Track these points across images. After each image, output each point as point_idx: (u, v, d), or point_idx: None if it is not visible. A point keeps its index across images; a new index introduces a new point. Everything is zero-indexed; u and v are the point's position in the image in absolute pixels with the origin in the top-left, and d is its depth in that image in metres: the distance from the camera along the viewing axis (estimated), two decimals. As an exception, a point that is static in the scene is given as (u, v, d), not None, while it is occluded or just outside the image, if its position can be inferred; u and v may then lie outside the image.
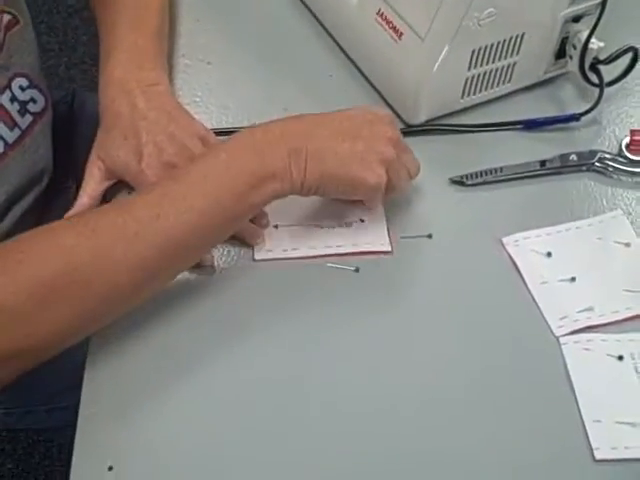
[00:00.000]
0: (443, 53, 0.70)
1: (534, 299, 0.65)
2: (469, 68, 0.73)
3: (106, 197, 0.70)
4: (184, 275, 0.64)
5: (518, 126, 0.78)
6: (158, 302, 0.62)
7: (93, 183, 0.69)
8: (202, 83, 0.80)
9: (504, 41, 0.73)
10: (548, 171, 0.74)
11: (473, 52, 0.72)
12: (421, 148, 0.74)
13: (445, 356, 0.62)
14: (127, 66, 0.71)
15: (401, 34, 0.71)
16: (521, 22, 0.73)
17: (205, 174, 0.59)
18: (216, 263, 0.66)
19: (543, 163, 0.74)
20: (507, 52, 0.74)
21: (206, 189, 0.58)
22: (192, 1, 0.87)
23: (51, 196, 0.87)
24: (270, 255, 0.67)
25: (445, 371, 0.62)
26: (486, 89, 0.77)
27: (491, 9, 0.68)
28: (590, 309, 0.64)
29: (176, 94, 0.78)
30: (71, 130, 0.95)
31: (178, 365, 0.61)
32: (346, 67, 0.81)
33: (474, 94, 0.77)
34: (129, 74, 0.71)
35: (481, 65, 0.74)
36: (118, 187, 0.70)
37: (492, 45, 0.72)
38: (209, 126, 0.74)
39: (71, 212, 0.68)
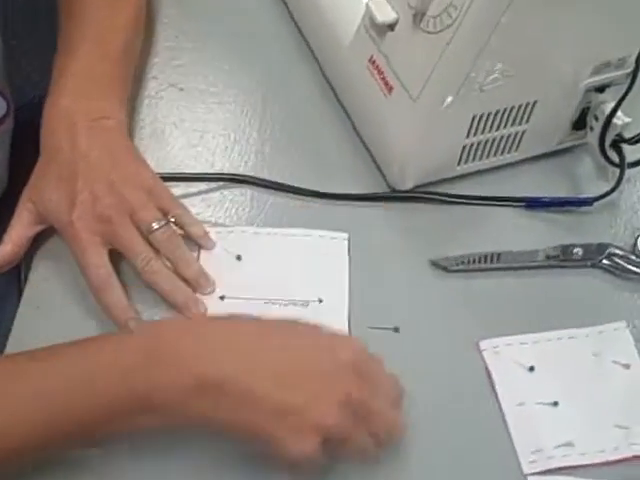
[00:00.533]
0: (437, 118, 0.60)
1: (505, 423, 0.55)
2: (468, 135, 0.63)
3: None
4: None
5: (519, 203, 0.68)
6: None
7: (20, 227, 0.60)
8: (170, 113, 0.70)
9: (512, 108, 0.63)
10: (546, 263, 0.64)
11: (473, 118, 0.62)
12: (402, 217, 0.66)
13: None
14: (76, 93, 0.62)
15: (391, 88, 0.61)
16: (533, 89, 0.62)
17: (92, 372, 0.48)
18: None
19: (539, 255, 0.64)
20: (515, 120, 0.64)
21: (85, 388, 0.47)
22: (174, 14, 0.78)
23: (3, 211, 0.79)
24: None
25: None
26: (487, 157, 0.67)
27: (496, 75, 0.58)
28: (570, 444, 0.54)
29: (139, 124, 0.69)
30: (34, 139, 0.86)
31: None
32: (337, 112, 0.71)
33: (472, 161, 0.67)
34: (76, 104, 0.62)
35: (482, 132, 0.63)
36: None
37: (497, 112, 0.62)
38: (167, 167, 0.65)
39: None
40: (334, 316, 0.59)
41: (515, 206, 0.68)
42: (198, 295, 0.59)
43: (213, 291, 0.59)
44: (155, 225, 0.58)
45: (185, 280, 0.59)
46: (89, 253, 0.57)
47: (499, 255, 0.63)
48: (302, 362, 0.48)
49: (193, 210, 0.63)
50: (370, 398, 0.48)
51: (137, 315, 0.57)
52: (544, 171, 0.70)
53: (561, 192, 0.69)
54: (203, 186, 0.65)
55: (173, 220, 0.59)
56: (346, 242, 0.63)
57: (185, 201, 0.64)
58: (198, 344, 0.48)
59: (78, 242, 0.57)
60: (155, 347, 0.48)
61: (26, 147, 0.77)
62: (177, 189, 0.64)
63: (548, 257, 0.63)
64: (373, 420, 0.48)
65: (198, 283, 0.59)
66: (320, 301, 0.59)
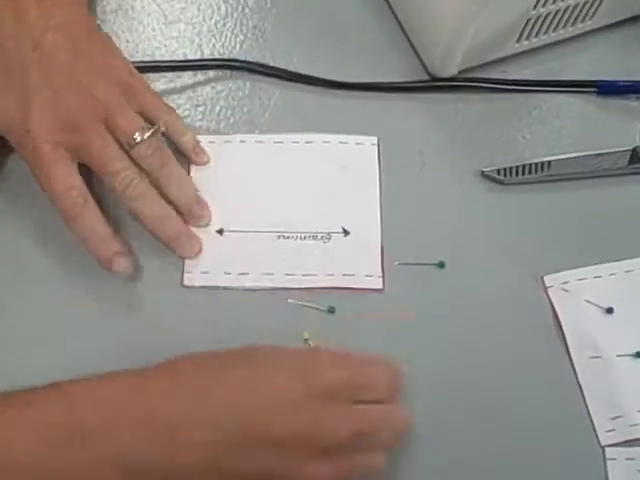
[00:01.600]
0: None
1: (577, 381, 0.45)
2: (535, 5, 0.48)
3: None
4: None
5: (589, 89, 0.53)
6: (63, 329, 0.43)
7: None
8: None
9: (596, -34, 0.47)
10: (628, 169, 0.51)
11: (546, -16, 0.46)
12: (446, 114, 0.52)
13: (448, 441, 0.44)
14: None
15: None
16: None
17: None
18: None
19: (618, 157, 0.51)
20: (597, -19, 0.48)
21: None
22: None
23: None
24: (206, 281, 0.45)
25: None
26: (555, 30, 0.52)
27: None
28: (658, 407, 0.44)
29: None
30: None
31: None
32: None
33: (535, 36, 0.52)
34: None
35: (554, 1, 0.48)
36: None
37: (577, -27, 0.47)
38: (139, 54, 0.50)
39: None
40: (363, 251, 0.46)
41: (584, 92, 0.53)
42: (192, 228, 0.46)
43: (208, 223, 0.46)
44: (137, 136, 0.44)
45: (176, 208, 0.46)
46: (55, 171, 0.43)
47: (567, 161, 0.50)
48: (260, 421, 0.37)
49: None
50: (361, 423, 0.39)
51: (124, 248, 0.45)
52: (620, 44, 0.55)
53: (641, 72, 0.54)
54: (187, 78, 0.51)
55: (163, 129, 0.45)
56: (375, 148, 0.50)
57: (165, 99, 0.49)
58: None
59: (39, 158, 0.44)
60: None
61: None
62: (153, 84, 0.50)
63: (634, 160, 0.50)
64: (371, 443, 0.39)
65: (191, 212, 0.46)
66: (345, 233, 0.47)
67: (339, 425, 0.38)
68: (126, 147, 0.44)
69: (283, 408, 0.37)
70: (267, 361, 0.39)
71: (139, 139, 0.44)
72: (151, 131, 0.44)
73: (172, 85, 0.50)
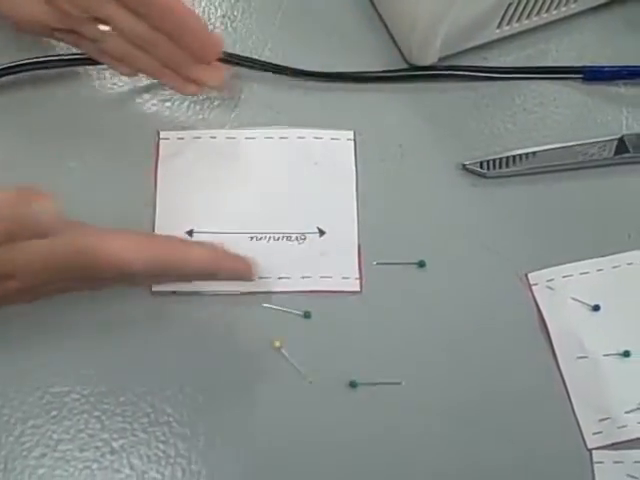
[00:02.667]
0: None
1: (563, 382, 0.44)
2: (517, -12, 0.46)
3: None
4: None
5: (575, 75, 0.51)
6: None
7: None
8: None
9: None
10: (615, 159, 0.49)
11: (528, -34, 0.44)
12: (425, 103, 0.50)
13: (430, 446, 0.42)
14: None
15: None
16: None
17: None
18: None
19: (605, 147, 0.49)
20: (582, -38, 0.46)
21: None
22: None
23: None
24: (175, 286, 0.43)
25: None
26: (538, 13, 0.50)
27: None
28: (646, 408, 0.43)
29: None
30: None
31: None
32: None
33: (517, 21, 0.50)
34: None
35: (537, -17, 0.46)
36: None
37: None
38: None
39: None
40: (339, 252, 0.45)
41: (569, 78, 0.51)
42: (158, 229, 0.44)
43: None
44: None
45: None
46: None
47: (552, 151, 0.48)
48: None
49: (141, 108, 0.47)
50: None
51: None
52: (605, 28, 0.53)
53: (628, 57, 0.52)
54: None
55: None
56: (351, 143, 0.48)
57: (131, 94, 0.47)
58: None
59: None
60: None
61: None
62: (116, 78, 0.47)
63: (621, 150, 0.48)
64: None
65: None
66: (321, 232, 0.45)
67: None
68: None
69: None
70: None
71: None
72: None
73: (136, 80, 0.48)
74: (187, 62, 0.42)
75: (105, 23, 0.41)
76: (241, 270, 0.38)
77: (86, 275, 0.35)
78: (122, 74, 0.45)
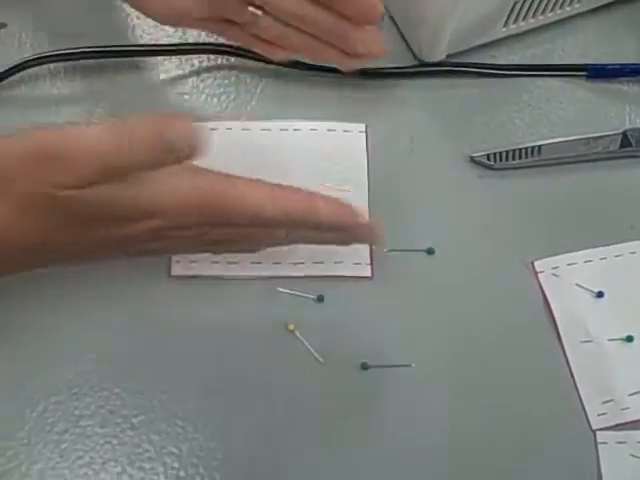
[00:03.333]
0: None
1: (568, 365, 0.45)
2: (523, -14, 0.47)
3: None
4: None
5: (579, 73, 0.53)
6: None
7: None
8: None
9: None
10: (619, 153, 0.50)
11: (533, -36, 0.46)
12: (434, 99, 0.51)
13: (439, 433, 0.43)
14: None
15: None
16: None
17: None
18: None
19: (609, 141, 0.50)
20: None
21: None
22: None
23: None
24: (194, 270, 0.45)
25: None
26: (543, 13, 0.52)
27: None
28: (649, 390, 0.44)
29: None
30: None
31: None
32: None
33: (523, 20, 0.51)
34: None
35: (542, -18, 0.48)
36: None
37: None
38: (109, 38, 0.50)
39: None
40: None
41: (574, 75, 0.53)
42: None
43: None
44: None
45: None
46: None
47: (557, 145, 0.50)
48: None
49: (161, 102, 0.49)
50: None
51: None
52: (609, 27, 0.55)
53: (631, 55, 0.54)
54: (172, 65, 0.50)
55: None
56: (363, 135, 0.49)
57: (144, 87, 0.49)
58: None
59: None
60: None
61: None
62: (137, 71, 0.49)
63: (624, 144, 0.50)
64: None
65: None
66: (334, 220, 0.46)
67: None
68: None
69: None
70: None
71: None
72: None
73: (156, 73, 0.49)
74: (347, 32, 0.41)
75: (257, 7, 0.40)
76: (365, 229, 0.39)
77: (220, 220, 0.36)
78: (275, 59, 0.44)
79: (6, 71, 0.47)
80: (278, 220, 0.36)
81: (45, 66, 0.48)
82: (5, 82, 0.47)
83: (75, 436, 0.41)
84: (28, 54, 0.48)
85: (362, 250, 0.46)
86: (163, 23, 0.45)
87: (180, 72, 0.50)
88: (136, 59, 0.50)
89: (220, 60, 0.51)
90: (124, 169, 0.32)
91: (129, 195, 0.33)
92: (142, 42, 0.50)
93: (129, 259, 0.38)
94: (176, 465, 0.40)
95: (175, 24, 0.45)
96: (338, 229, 0.39)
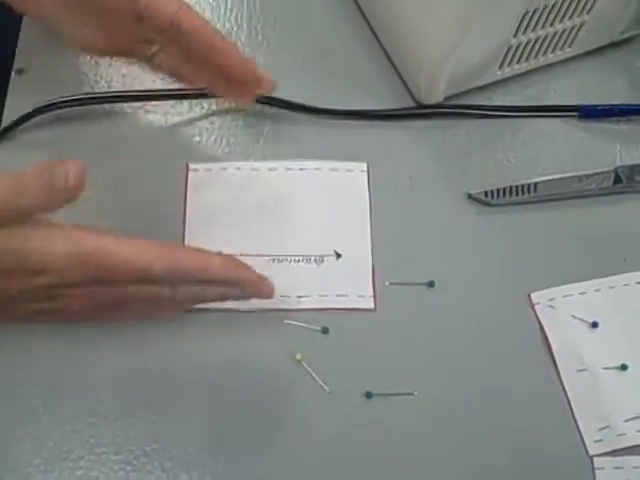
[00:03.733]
0: (478, 13, 0.46)
1: (565, 393, 0.46)
2: (516, 33, 0.50)
3: None
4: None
5: (571, 113, 0.55)
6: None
7: None
8: None
9: (572, -2, 0.49)
10: (610, 189, 0.52)
11: (525, 14, 0.48)
12: (432, 139, 0.54)
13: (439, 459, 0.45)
14: None
15: (421, -24, 0.48)
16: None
17: None
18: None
19: (601, 179, 0.52)
20: (575, 11, 0.51)
21: None
22: None
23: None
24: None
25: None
26: (535, 57, 0.54)
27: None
28: (643, 417, 0.46)
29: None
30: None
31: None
32: (347, 5, 0.57)
33: (517, 63, 0.54)
34: None
35: (533, 30, 0.50)
36: None
37: (554, 4, 0.49)
38: (126, 83, 0.52)
39: None
40: (355, 273, 0.48)
41: (566, 116, 0.55)
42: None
43: None
44: None
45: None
46: None
47: (552, 182, 0.52)
48: None
49: (172, 143, 0.51)
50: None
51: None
52: (600, 69, 0.58)
53: (621, 96, 0.56)
54: (184, 109, 0.53)
55: None
56: (365, 174, 0.52)
57: (158, 130, 0.52)
58: None
59: None
60: None
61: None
62: (149, 114, 0.52)
63: (616, 181, 0.52)
64: None
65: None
66: (338, 255, 0.48)
67: None
68: None
69: None
70: None
71: None
72: None
73: (168, 116, 0.52)
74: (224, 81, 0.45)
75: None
76: (260, 285, 0.41)
77: (104, 276, 0.36)
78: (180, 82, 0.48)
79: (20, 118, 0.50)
80: (167, 276, 0.37)
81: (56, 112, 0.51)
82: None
83: (90, 463, 0.43)
84: (42, 99, 0.50)
85: (365, 284, 0.48)
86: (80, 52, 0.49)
87: (192, 115, 0.53)
88: (147, 103, 0.52)
89: (228, 103, 0.53)
90: (18, 212, 0.35)
91: (16, 243, 0.35)
92: (154, 87, 0.53)
93: (31, 322, 0.41)
94: (187, 491, 0.42)
95: (85, 53, 0.50)
96: (230, 284, 0.40)
